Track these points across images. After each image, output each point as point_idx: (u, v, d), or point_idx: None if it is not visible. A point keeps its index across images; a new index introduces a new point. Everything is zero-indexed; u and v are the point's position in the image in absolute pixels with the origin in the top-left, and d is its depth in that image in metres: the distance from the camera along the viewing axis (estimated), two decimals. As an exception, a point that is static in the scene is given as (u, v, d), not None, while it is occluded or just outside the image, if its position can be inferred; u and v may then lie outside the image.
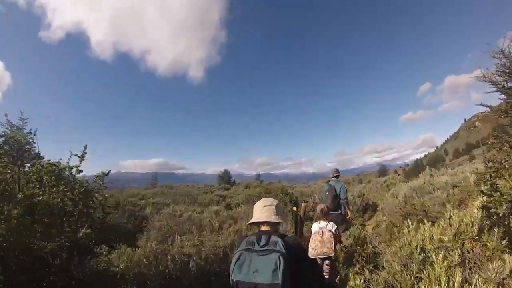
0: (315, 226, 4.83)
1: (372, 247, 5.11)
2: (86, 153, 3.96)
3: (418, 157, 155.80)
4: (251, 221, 2.32)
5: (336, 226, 4.87)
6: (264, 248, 1.97)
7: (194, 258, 5.64)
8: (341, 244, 5.37)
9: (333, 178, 7.13)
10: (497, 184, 3.44)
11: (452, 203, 4.88)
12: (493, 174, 3.46)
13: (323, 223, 4.77)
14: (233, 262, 2.00)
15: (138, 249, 6.05)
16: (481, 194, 3.54)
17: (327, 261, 4.67)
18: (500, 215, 3.34)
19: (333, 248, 4.59)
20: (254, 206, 2.36)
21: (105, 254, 4.67)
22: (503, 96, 3.79)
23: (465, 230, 3.19)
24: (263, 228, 2.26)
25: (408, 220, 4.04)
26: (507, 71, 3.64)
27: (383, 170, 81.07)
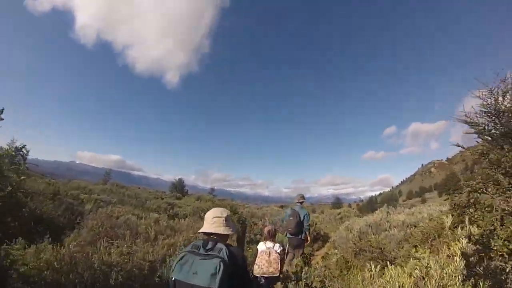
0: (262, 246, 4.92)
1: (320, 281, 5.04)
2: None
3: (373, 194, 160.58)
4: (200, 230, 2.43)
5: (282, 248, 5.01)
6: (208, 253, 2.11)
7: (117, 269, 4.76)
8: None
9: (297, 204, 7.25)
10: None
11: (411, 244, 4.70)
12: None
13: (269, 244, 4.86)
14: (176, 261, 2.13)
15: (62, 247, 5.08)
16: (457, 240, 3.11)
17: (269, 282, 4.67)
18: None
19: (279, 268, 4.68)
20: (205, 216, 2.48)
21: (17, 248, 4.20)
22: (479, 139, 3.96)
23: (449, 283, 2.52)
24: (212, 235, 2.36)
25: (371, 263, 3.48)
26: (492, 111, 3.67)
27: (337, 203, 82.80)
